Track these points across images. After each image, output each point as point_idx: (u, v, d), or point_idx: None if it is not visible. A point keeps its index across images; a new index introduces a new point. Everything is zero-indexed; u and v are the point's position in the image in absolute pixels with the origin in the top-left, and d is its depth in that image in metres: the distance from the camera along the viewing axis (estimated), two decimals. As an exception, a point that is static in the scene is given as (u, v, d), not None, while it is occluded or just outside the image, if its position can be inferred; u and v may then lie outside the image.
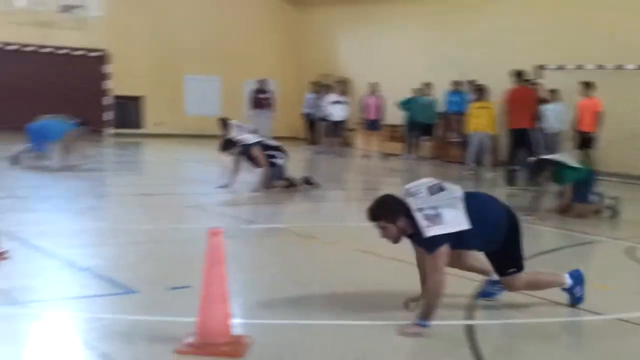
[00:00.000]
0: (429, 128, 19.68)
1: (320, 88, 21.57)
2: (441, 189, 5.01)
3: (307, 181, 12.23)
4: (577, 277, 5.55)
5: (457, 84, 19.36)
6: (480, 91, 16.61)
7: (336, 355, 4.51)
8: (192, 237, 8.10)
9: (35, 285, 5.71)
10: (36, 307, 5.13)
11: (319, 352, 4.49)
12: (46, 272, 6.12)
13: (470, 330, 4.95)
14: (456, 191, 5.07)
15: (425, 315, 4.79)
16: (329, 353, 4.51)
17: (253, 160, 11.87)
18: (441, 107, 19.74)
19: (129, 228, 8.19)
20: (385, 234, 4.94)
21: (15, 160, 13.48)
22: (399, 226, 4.89)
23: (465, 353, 4.54)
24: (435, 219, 4.84)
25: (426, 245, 4.89)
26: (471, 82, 18.66)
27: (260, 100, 21.16)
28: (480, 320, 5.25)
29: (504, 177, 14.41)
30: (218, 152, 12.32)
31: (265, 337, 4.65)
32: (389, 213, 4.90)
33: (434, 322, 4.81)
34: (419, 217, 4.85)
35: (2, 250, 6.24)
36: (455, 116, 19.32)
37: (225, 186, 11.56)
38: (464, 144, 18.41)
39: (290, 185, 11.97)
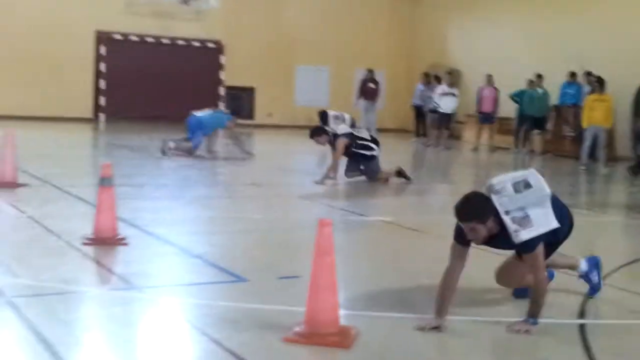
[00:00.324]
0: (540, 121, 19.20)
1: (430, 79, 21.39)
2: (528, 186, 4.74)
3: (399, 174, 11.99)
4: (594, 263, 5.39)
5: (573, 75, 18.81)
6: (598, 83, 16.07)
7: (443, 350, 4.48)
8: (301, 227, 8.23)
9: (151, 271, 5.92)
10: (151, 292, 5.31)
11: (424, 345, 4.47)
12: (161, 258, 6.33)
13: (581, 329, 4.83)
14: (544, 188, 4.80)
15: (535, 314, 4.70)
16: (435, 347, 4.49)
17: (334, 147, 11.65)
18: (555, 99, 19.23)
19: (239, 217, 8.37)
20: (474, 234, 4.68)
21: (164, 151, 13.97)
22: (488, 227, 4.66)
23: (576, 352, 4.44)
24: (523, 221, 4.65)
25: (521, 248, 4.79)
26: (588, 74, 18.11)
27: (369, 90, 21.17)
28: (591, 320, 5.11)
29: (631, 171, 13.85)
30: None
31: (373, 329, 4.67)
32: (482, 214, 4.64)
33: (544, 320, 4.72)
34: (508, 221, 4.66)
35: (120, 236, 6.52)
36: (569, 109, 18.80)
37: (322, 182, 11.27)
38: (578, 137, 17.91)
39: (387, 178, 11.85)
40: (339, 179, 11.52)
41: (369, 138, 11.92)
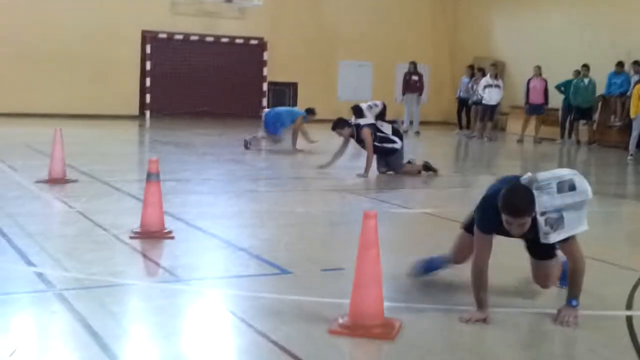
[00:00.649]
0: (587, 112, 18.93)
1: (475, 72, 21.23)
2: (572, 187, 4.62)
3: (426, 167, 11.89)
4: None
5: (620, 65, 18.51)
6: None
7: (486, 342, 4.47)
8: (343, 220, 8.27)
9: (197, 263, 6.00)
10: (197, 284, 5.38)
11: (467, 337, 4.47)
12: (206, 251, 6.41)
13: (629, 321, 4.78)
14: (587, 192, 4.66)
15: (576, 295, 4.67)
16: (478, 339, 4.48)
17: (361, 143, 11.63)
18: (602, 89, 18.96)
19: (283, 210, 8.43)
20: (521, 229, 4.56)
21: (246, 144, 14.70)
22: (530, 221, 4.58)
23: (623, 343, 4.39)
24: (556, 223, 4.59)
25: (550, 245, 4.82)
26: (637, 63, 17.83)
27: (412, 83, 21.09)
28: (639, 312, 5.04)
29: None
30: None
31: (417, 321, 4.68)
32: (533, 209, 4.53)
33: (591, 312, 4.69)
34: (541, 221, 4.60)
35: (166, 230, 6.62)
36: (617, 99, 18.52)
37: (323, 167, 11.59)
38: (625, 128, 17.63)
39: (419, 170, 11.81)
40: (370, 173, 11.51)
41: (391, 132, 11.79)
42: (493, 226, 4.73)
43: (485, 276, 4.74)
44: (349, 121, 12.17)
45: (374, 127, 11.69)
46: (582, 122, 19.20)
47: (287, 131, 15.11)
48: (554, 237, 4.63)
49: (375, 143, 11.44)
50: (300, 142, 14.97)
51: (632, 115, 15.81)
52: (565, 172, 4.78)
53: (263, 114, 15.70)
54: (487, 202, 4.80)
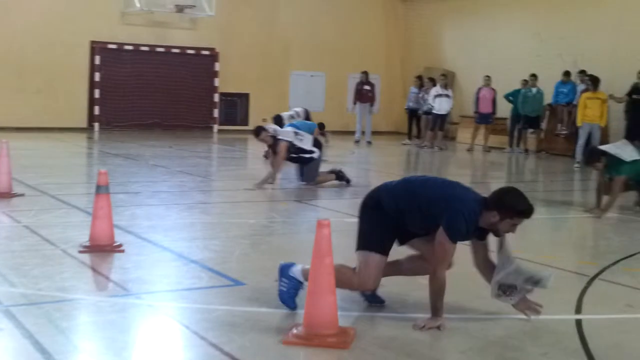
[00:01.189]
0: (535, 120, 19.25)
1: (424, 82, 21.43)
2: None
3: (339, 176, 11.66)
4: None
5: (567, 74, 18.87)
6: (592, 81, 16.14)
7: (441, 348, 4.50)
8: (295, 230, 8.26)
9: (148, 277, 5.92)
10: (149, 298, 5.31)
11: (423, 344, 4.48)
12: (158, 264, 6.33)
13: (578, 324, 4.85)
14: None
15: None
16: (433, 346, 4.50)
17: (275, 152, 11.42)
18: (549, 98, 19.29)
19: (234, 222, 8.38)
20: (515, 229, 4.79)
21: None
22: None
23: (574, 346, 4.46)
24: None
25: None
26: (582, 72, 18.19)
27: (364, 93, 21.20)
28: (589, 315, 5.12)
29: None
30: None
31: (371, 330, 4.68)
32: None
33: (542, 317, 4.75)
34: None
35: (117, 243, 6.52)
36: (564, 107, 18.86)
37: (270, 182, 11.19)
38: (572, 136, 17.97)
39: (340, 179, 11.65)
40: (277, 184, 11.41)
41: (311, 144, 11.56)
42: (471, 234, 4.79)
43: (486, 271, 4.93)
44: (269, 129, 11.84)
45: (292, 145, 11.36)
46: (530, 130, 19.51)
47: None
48: None
49: (292, 154, 11.37)
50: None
51: (578, 124, 16.15)
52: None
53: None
54: (468, 210, 4.67)
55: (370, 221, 4.94)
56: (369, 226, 4.93)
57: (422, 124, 21.35)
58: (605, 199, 9.45)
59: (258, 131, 11.60)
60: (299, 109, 17.31)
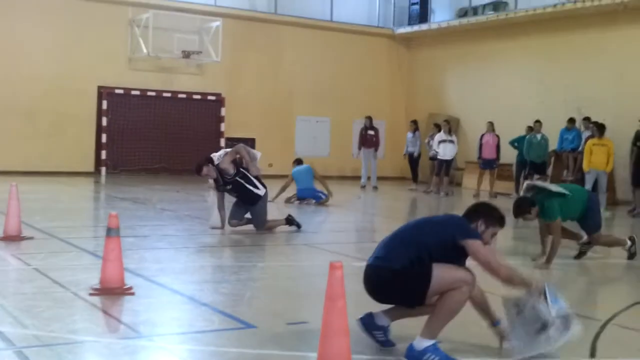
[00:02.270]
0: (540, 166, 19.26)
1: (417, 127, 21.61)
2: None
3: (289, 221, 11.27)
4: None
5: (571, 121, 18.98)
6: (598, 128, 16.22)
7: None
8: (305, 273, 8.25)
9: (159, 319, 5.91)
10: (160, 340, 5.30)
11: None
12: (169, 307, 6.32)
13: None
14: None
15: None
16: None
17: (228, 184, 10.79)
18: (554, 145, 19.36)
19: (243, 264, 8.38)
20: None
21: (288, 200, 15.48)
22: None
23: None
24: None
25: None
26: (587, 119, 18.30)
27: (368, 138, 21.30)
28: (602, 359, 5.10)
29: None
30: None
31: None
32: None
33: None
34: None
35: (127, 286, 6.53)
36: (569, 154, 18.92)
37: (220, 227, 10.85)
38: (577, 182, 17.98)
39: (289, 224, 11.22)
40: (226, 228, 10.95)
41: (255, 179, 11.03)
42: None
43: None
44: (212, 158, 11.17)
45: (241, 176, 10.82)
46: (535, 176, 19.49)
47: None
48: None
49: (237, 178, 10.73)
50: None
51: (585, 169, 16.18)
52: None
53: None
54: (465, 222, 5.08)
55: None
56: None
57: (423, 169, 21.47)
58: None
59: (199, 168, 10.88)
60: (229, 150, 17.23)
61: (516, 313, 4.97)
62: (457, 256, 4.90)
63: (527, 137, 19.30)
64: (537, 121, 19.26)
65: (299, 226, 11.31)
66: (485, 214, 5.10)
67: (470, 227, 4.98)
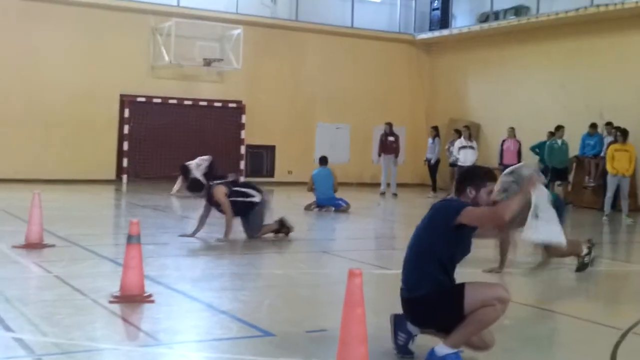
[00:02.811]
0: (562, 172, 19.06)
1: (438, 133, 21.55)
2: None
3: (282, 224, 11.08)
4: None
5: (593, 126, 18.84)
6: (621, 133, 16.06)
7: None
8: (324, 281, 8.24)
9: (179, 327, 5.93)
10: (179, 348, 5.32)
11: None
12: (188, 314, 6.34)
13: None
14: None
15: None
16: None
17: (217, 205, 10.64)
18: (576, 150, 19.22)
19: (262, 272, 8.40)
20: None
21: (308, 207, 15.67)
22: None
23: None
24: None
25: None
26: (609, 125, 18.16)
27: (388, 144, 21.27)
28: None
29: None
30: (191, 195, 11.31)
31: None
32: None
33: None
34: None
35: (147, 293, 6.56)
36: (591, 160, 18.77)
37: (189, 235, 10.58)
38: (599, 188, 17.87)
39: (278, 230, 11.01)
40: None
41: (249, 186, 11.11)
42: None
43: None
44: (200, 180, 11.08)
45: (228, 184, 10.81)
46: (557, 183, 19.34)
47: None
48: None
49: (231, 198, 10.58)
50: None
51: (611, 172, 15.87)
52: None
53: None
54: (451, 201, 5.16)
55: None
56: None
57: (442, 175, 21.42)
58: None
59: (194, 187, 10.89)
60: (205, 157, 17.36)
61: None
62: (464, 236, 4.91)
63: (548, 142, 19.14)
64: (560, 126, 19.07)
65: (288, 232, 10.99)
66: (470, 178, 5.09)
67: (453, 203, 4.99)
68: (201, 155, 15.55)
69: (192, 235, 10.60)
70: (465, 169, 5.54)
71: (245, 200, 10.71)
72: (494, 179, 5.12)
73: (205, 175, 12.22)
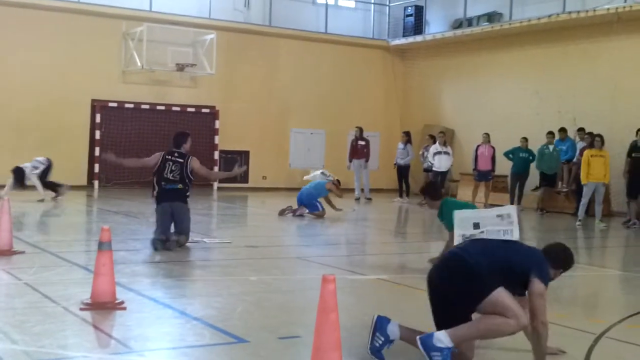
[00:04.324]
0: (551, 178, 19.02)
1: (410, 138, 21.59)
2: None
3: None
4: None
5: (564, 130, 18.98)
6: (601, 139, 16.07)
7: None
8: (298, 287, 8.20)
9: (150, 334, 5.85)
10: (152, 355, 5.24)
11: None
12: (160, 321, 6.26)
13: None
14: None
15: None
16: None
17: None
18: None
19: (237, 279, 8.32)
20: None
21: (282, 212, 15.66)
22: None
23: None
24: None
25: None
26: (581, 130, 18.29)
27: (359, 149, 21.30)
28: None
29: None
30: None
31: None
32: None
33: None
34: None
35: (119, 300, 6.47)
36: (563, 165, 18.88)
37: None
38: (572, 193, 17.99)
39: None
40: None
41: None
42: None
43: None
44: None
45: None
46: (541, 188, 19.17)
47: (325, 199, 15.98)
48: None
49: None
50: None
51: (583, 182, 15.92)
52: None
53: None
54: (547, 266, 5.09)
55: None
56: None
57: (416, 180, 21.44)
58: None
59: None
60: (41, 159, 17.40)
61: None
62: (519, 283, 4.96)
63: (539, 148, 18.92)
64: (550, 132, 18.97)
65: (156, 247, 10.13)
66: (568, 265, 5.26)
67: (547, 271, 5.02)
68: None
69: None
70: (570, 253, 5.34)
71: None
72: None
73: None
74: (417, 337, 4.90)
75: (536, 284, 4.88)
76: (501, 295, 4.80)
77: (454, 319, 4.88)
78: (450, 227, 8.42)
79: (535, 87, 21.39)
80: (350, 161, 21.60)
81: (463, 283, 4.86)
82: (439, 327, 4.95)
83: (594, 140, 16.16)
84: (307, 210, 15.55)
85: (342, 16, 25.90)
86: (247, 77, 23.75)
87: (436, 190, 9.28)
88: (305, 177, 17.26)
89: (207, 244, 10.80)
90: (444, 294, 4.98)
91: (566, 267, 5.22)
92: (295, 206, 15.71)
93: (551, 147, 18.84)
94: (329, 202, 15.93)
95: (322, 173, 17.60)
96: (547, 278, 4.97)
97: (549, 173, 18.87)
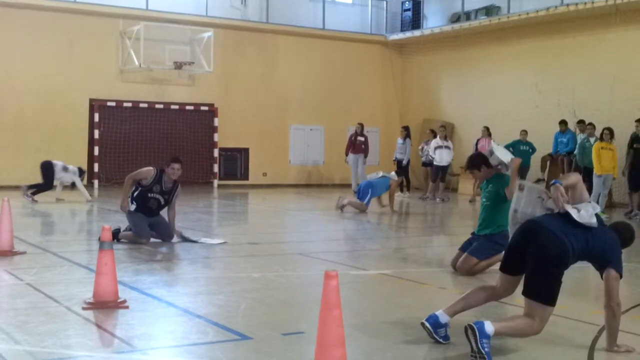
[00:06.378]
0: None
1: (408, 133, 21.57)
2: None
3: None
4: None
5: (564, 123, 18.96)
6: (611, 133, 16.10)
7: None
8: (301, 283, 8.18)
9: (154, 332, 5.84)
10: (155, 354, 5.23)
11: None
12: (163, 320, 6.25)
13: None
14: None
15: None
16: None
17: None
18: (549, 149, 19.32)
19: (239, 276, 8.31)
20: None
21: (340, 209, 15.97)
22: None
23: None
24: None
25: None
26: (581, 122, 18.27)
27: (357, 144, 21.30)
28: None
29: None
30: None
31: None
32: None
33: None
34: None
35: (121, 299, 6.46)
36: (564, 157, 18.87)
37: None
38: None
39: None
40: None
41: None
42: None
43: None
44: None
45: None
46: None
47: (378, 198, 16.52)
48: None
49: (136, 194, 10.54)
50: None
51: (597, 173, 15.99)
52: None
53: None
54: (619, 245, 5.41)
55: (558, 276, 5.19)
56: (556, 280, 5.18)
57: (409, 175, 21.46)
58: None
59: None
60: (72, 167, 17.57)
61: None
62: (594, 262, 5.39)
63: (580, 141, 18.37)
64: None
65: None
66: (625, 244, 5.53)
67: (621, 259, 5.32)
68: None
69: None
70: (630, 231, 5.63)
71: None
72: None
73: None
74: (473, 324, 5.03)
75: (613, 275, 5.25)
76: (556, 283, 5.17)
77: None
78: (502, 188, 8.68)
79: (535, 80, 21.36)
80: (347, 155, 21.63)
81: (542, 245, 5.12)
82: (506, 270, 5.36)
83: (602, 133, 16.24)
84: (349, 200, 16.08)
85: (339, 12, 25.86)
86: (245, 74, 23.73)
87: (476, 161, 9.17)
88: (369, 176, 17.53)
89: (204, 244, 10.73)
90: (523, 256, 5.21)
91: (626, 246, 5.52)
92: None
93: (592, 139, 17.32)
94: (390, 197, 16.55)
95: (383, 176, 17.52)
96: (620, 267, 5.29)
97: (590, 167, 17.05)
